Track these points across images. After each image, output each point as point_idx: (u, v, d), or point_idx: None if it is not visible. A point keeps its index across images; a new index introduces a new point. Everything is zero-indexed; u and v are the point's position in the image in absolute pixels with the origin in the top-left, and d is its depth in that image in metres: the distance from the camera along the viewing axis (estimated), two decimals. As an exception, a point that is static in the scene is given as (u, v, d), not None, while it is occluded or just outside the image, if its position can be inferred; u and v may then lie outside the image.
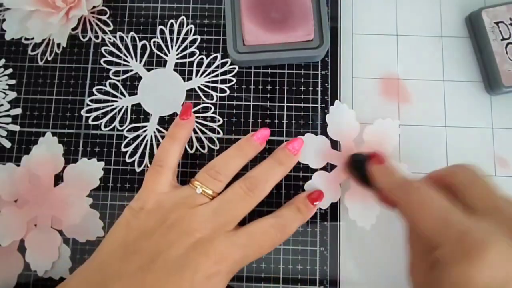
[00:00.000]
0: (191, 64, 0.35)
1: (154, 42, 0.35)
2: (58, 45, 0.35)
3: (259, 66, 0.35)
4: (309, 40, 0.33)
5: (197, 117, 0.34)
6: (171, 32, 0.35)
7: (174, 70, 0.35)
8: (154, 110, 0.34)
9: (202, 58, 0.35)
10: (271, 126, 0.34)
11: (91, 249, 0.32)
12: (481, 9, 0.33)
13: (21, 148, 0.34)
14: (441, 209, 0.22)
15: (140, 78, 0.35)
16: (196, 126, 0.34)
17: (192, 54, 0.35)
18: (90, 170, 0.33)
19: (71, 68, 0.35)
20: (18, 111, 0.34)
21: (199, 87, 0.34)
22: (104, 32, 0.35)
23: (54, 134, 0.34)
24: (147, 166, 0.33)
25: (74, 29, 0.35)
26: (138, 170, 0.33)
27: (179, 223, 0.26)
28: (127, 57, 0.35)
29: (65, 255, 0.32)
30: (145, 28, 0.35)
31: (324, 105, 0.34)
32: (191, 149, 0.33)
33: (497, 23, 0.33)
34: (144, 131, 0.34)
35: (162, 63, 0.35)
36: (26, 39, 0.35)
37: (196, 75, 0.34)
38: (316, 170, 0.33)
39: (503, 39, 0.33)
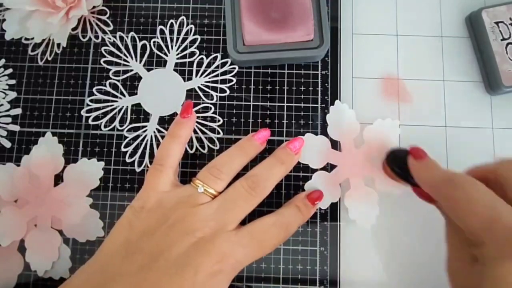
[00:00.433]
0: (191, 64, 0.35)
1: (154, 42, 0.35)
2: (58, 45, 0.35)
3: (259, 66, 0.35)
4: (309, 40, 0.33)
5: (197, 117, 0.34)
6: (171, 32, 0.35)
7: (174, 70, 0.35)
8: (154, 110, 0.34)
9: (202, 58, 0.35)
10: (271, 126, 0.34)
11: (91, 249, 0.32)
12: (481, 9, 0.33)
13: (21, 148, 0.34)
14: (488, 206, 0.22)
15: (140, 78, 0.35)
16: (196, 126, 0.34)
17: (192, 54, 0.35)
18: (90, 170, 0.33)
19: (71, 68, 0.35)
20: (18, 111, 0.34)
21: (199, 87, 0.34)
22: (104, 32, 0.35)
23: (54, 134, 0.34)
24: (147, 166, 0.33)
25: (74, 29, 0.35)
26: (138, 170, 0.33)
27: (181, 223, 0.26)
28: (127, 57, 0.35)
29: (65, 255, 0.32)
30: (145, 28, 0.35)
31: (324, 105, 0.34)
32: (191, 149, 0.33)
33: (497, 23, 0.33)
34: (144, 131, 0.34)
35: (162, 63, 0.35)
36: (26, 39, 0.35)
37: (196, 75, 0.34)
38: (316, 170, 0.33)
39: (503, 39, 0.33)
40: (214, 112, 0.34)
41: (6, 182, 0.32)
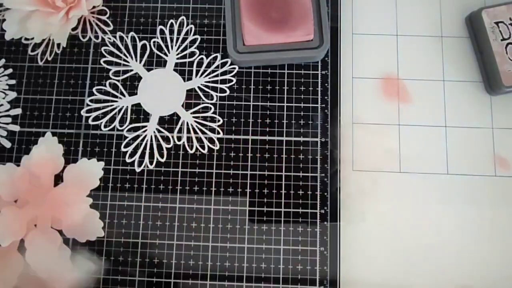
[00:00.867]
0: (191, 64, 0.35)
1: (154, 42, 0.35)
2: (58, 45, 0.35)
3: (259, 66, 0.35)
4: (309, 40, 0.33)
5: (197, 117, 0.34)
6: (171, 32, 0.35)
7: (174, 70, 0.35)
8: (154, 110, 0.34)
9: (202, 58, 0.35)
10: (271, 126, 0.34)
11: (91, 249, 0.32)
12: (481, 9, 0.33)
13: (21, 148, 0.34)
14: None
15: (140, 78, 0.35)
16: (196, 126, 0.34)
17: (192, 54, 0.35)
18: (90, 170, 0.33)
19: (71, 68, 0.35)
20: (18, 111, 0.34)
21: (199, 87, 0.34)
22: (104, 32, 0.35)
23: (54, 134, 0.34)
24: (147, 166, 0.33)
25: (74, 29, 0.35)
26: (138, 170, 0.33)
27: None
28: (127, 57, 0.35)
29: (65, 255, 0.32)
30: (145, 28, 0.35)
31: (324, 105, 0.34)
32: (191, 149, 0.33)
33: (497, 23, 0.33)
34: (144, 131, 0.34)
35: (162, 63, 0.35)
36: (26, 39, 0.35)
37: (196, 75, 0.34)
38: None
39: (503, 39, 0.33)
40: (214, 112, 0.34)
41: (6, 182, 0.32)
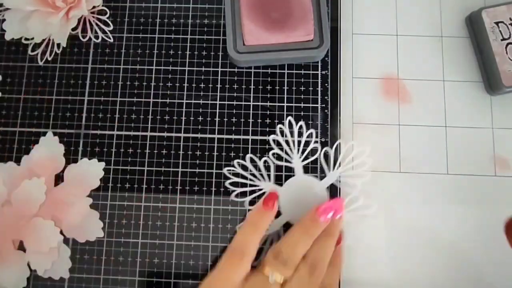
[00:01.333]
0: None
1: (273, 154, 0.35)
2: (58, 45, 0.35)
3: (259, 66, 0.35)
4: (309, 40, 0.33)
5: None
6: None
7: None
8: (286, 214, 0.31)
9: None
10: (271, 126, 0.34)
11: (91, 249, 0.32)
12: (481, 9, 0.33)
13: (21, 148, 0.34)
14: None
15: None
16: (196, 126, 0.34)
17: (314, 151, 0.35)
18: (91, 170, 0.33)
19: (71, 68, 0.35)
20: (18, 111, 0.34)
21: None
22: (104, 32, 0.35)
23: (54, 134, 0.34)
24: (148, 167, 0.33)
25: (74, 29, 0.35)
26: (138, 170, 0.33)
27: None
28: (254, 179, 0.35)
29: (65, 255, 0.32)
30: (145, 28, 0.35)
31: (324, 105, 0.34)
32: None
33: (497, 23, 0.33)
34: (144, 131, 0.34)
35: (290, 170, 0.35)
36: (26, 39, 0.35)
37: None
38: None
39: (503, 39, 0.33)
40: (214, 112, 0.34)
41: (5, 182, 0.32)
